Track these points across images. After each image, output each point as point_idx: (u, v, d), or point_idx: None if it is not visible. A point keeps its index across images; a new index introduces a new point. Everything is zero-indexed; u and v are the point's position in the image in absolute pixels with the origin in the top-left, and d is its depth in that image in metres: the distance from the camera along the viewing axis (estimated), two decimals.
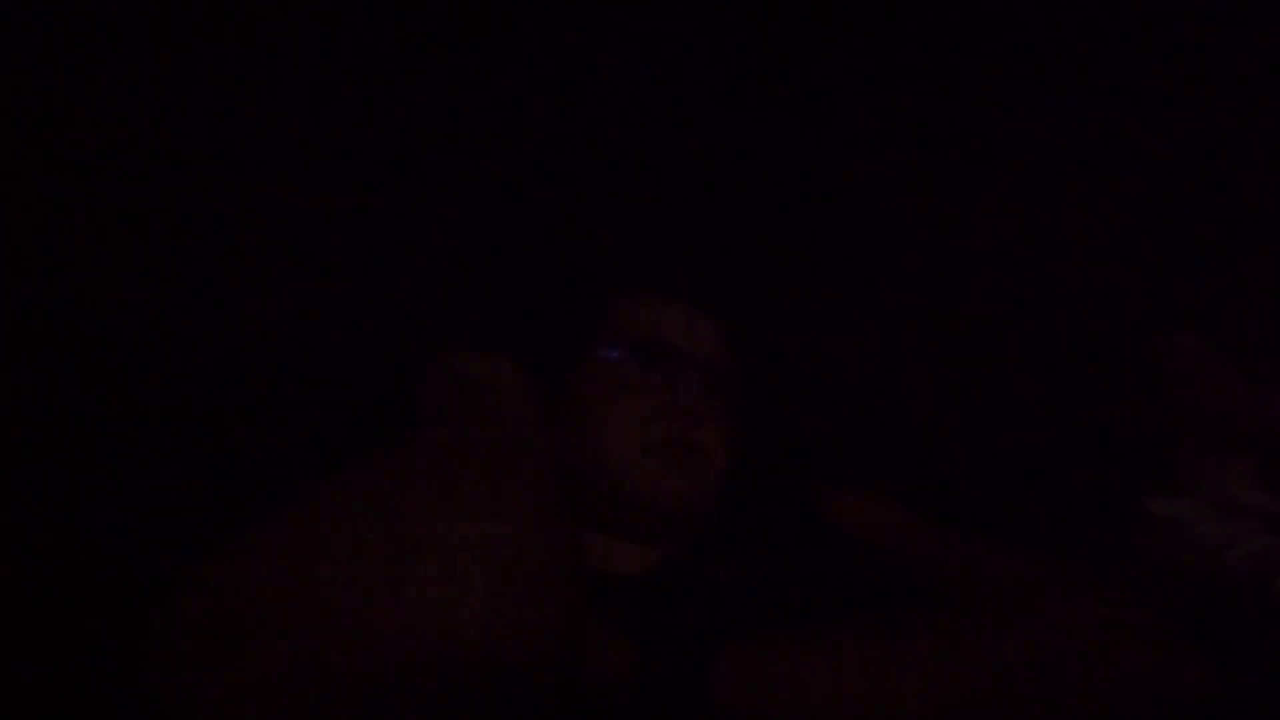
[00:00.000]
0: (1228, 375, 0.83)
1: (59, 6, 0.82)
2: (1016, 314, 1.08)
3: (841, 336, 1.03)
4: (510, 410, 0.38)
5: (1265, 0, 1.04)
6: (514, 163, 0.97)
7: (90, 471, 0.67)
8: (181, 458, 0.70)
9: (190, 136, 0.86)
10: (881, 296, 1.07)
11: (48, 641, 0.58)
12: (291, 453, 0.65)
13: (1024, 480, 0.96)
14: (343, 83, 0.93)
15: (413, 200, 0.92)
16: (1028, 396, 1.01)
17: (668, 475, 0.52)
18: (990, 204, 1.13)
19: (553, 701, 0.25)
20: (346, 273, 0.88)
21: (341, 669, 0.21)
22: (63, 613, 0.59)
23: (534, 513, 0.28)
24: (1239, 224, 1.17)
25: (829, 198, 1.08)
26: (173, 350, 0.77)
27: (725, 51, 1.07)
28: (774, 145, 1.08)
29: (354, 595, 0.22)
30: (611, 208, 0.99)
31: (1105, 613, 0.40)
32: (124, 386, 0.73)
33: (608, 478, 0.53)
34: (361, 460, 0.29)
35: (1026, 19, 1.08)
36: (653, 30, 1.04)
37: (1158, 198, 1.17)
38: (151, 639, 0.23)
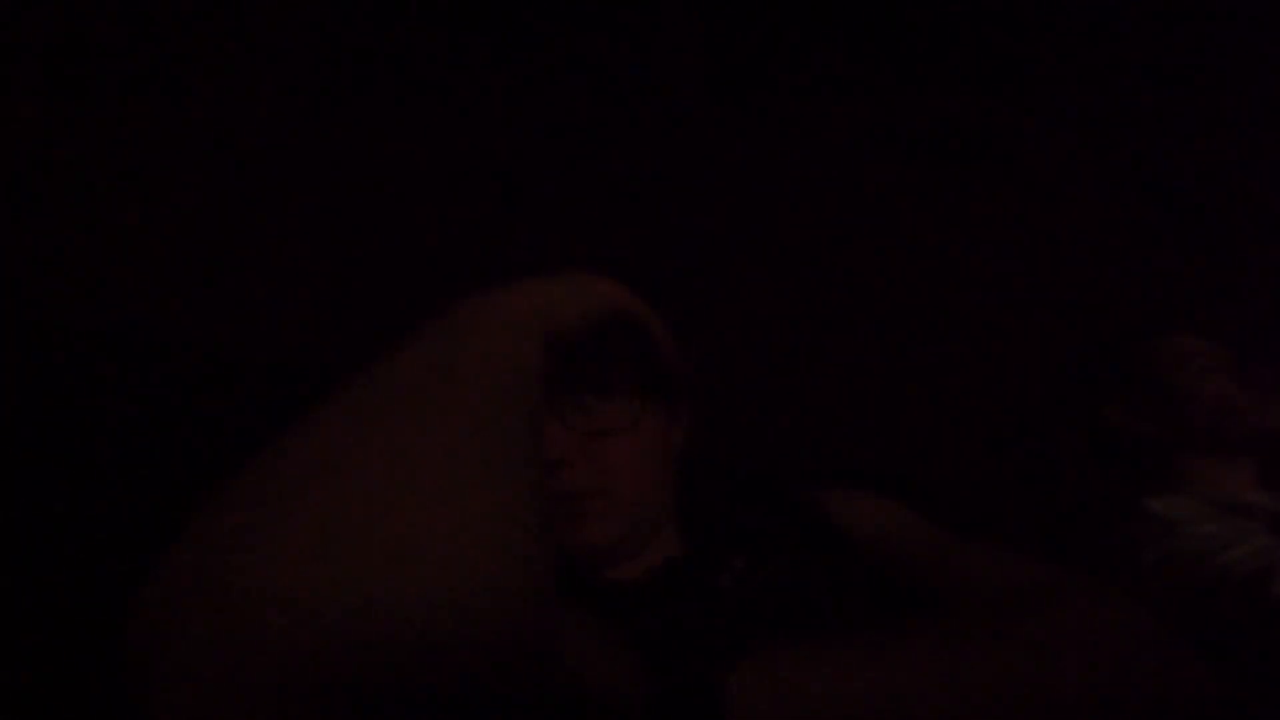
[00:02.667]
0: (1227, 375, 0.83)
1: (60, 9, 0.82)
2: (1016, 314, 1.08)
3: (842, 338, 1.03)
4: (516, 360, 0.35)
5: (1265, 1, 1.04)
6: (506, 163, 0.97)
7: (87, 468, 0.67)
8: (173, 452, 0.70)
9: (189, 137, 0.86)
10: (882, 298, 1.07)
11: (43, 634, 0.58)
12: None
13: (1024, 480, 0.96)
14: (340, 85, 0.92)
15: (395, 198, 0.92)
16: (1028, 397, 1.01)
17: (566, 534, 0.49)
18: (991, 205, 1.13)
19: (529, 689, 0.25)
20: (331, 271, 0.87)
21: (305, 651, 0.21)
22: (55, 606, 0.59)
23: (518, 486, 0.28)
24: (1239, 224, 1.17)
25: (833, 200, 1.08)
26: (168, 348, 0.77)
27: (723, 52, 1.06)
28: (775, 146, 1.08)
29: (315, 574, 0.22)
30: (608, 210, 0.99)
31: (1105, 615, 0.40)
32: (121, 385, 0.73)
33: None
34: (328, 417, 0.28)
35: (1027, 21, 1.08)
36: (650, 31, 1.04)
37: (1158, 199, 1.17)
38: (126, 626, 0.23)
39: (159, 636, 0.22)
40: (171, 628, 0.22)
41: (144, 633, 0.23)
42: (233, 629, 0.21)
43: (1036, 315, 1.09)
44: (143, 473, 0.67)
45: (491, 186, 0.96)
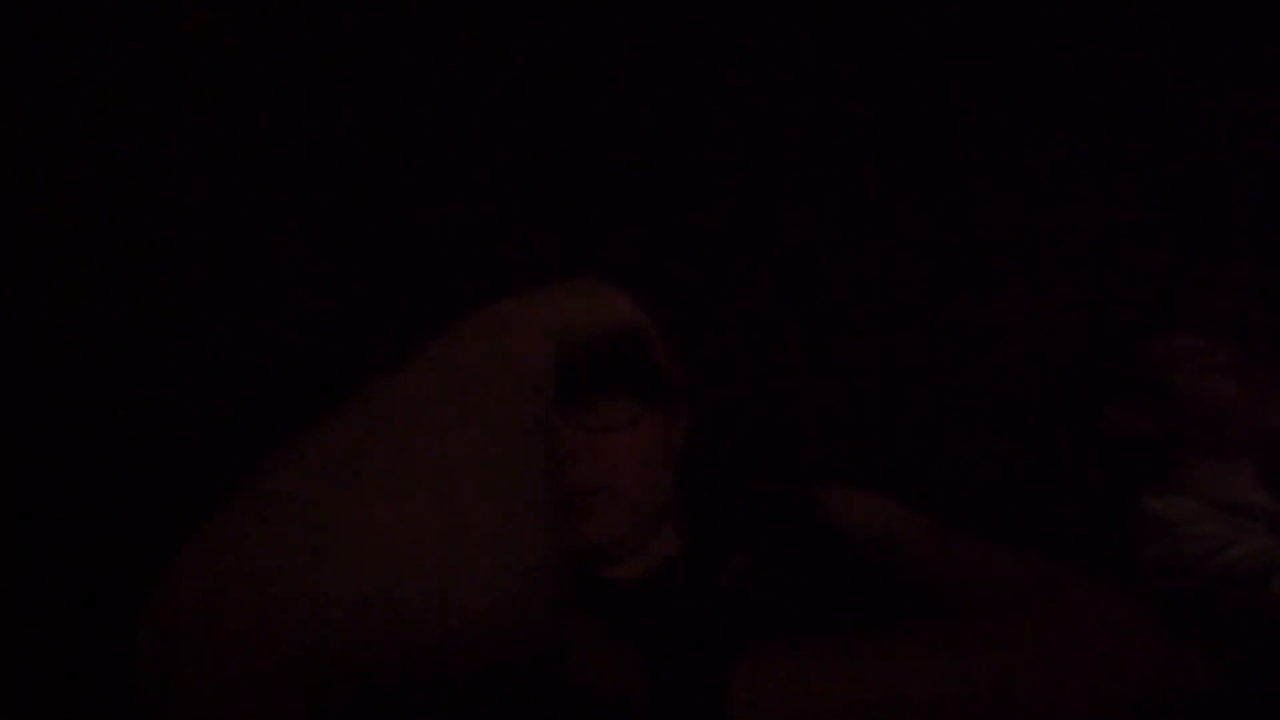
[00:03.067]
0: (1227, 375, 0.83)
1: (60, 7, 0.82)
2: (1016, 315, 1.08)
3: (842, 337, 1.03)
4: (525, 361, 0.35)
5: (1265, 1, 1.04)
6: (497, 161, 0.97)
7: (88, 470, 0.67)
8: (174, 454, 0.70)
9: (189, 137, 0.86)
10: (882, 297, 1.07)
11: (48, 637, 0.58)
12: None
13: (1024, 480, 0.96)
14: (339, 84, 0.92)
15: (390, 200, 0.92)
16: (1028, 396, 1.01)
17: (576, 532, 0.50)
18: (990, 204, 1.13)
19: (537, 692, 0.25)
20: (332, 271, 0.88)
21: (318, 653, 0.21)
22: (60, 609, 0.59)
23: (530, 491, 0.28)
24: (1239, 224, 1.17)
25: (831, 200, 1.08)
26: (168, 348, 0.77)
27: (722, 51, 1.06)
28: (775, 146, 1.08)
29: (327, 578, 0.22)
30: (608, 210, 0.99)
31: (1104, 614, 0.40)
32: (121, 384, 0.73)
33: None
34: (345, 421, 0.28)
35: (1026, 20, 1.08)
36: (647, 29, 1.04)
37: (1158, 198, 1.17)
38: (137, 631, 0.23)
39: (171, 638, 0.22)
40: (183, 629, 0.22)
41: (155, 634, 0.23)
42: (247, 631, 0.21)
43: (1036, 315, 1.09)
44: (144, 474, 0.67)
45: (491, 186, 0.96)
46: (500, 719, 0.23)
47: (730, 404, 0.91)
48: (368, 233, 0.90)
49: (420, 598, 0.22)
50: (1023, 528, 0.85)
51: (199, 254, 0.83)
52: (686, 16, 1.05)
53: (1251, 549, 0.68)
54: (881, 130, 1.11)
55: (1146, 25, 1.08)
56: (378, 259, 0.89)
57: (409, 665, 0.21)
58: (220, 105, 0.87)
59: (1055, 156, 1.16)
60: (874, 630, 0.38)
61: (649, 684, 0.32)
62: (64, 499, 0.65)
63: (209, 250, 0.84)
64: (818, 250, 1.06)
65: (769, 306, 1.02)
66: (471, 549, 0.24)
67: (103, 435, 0.69)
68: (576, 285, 0.45)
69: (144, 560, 0.27)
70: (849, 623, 0.42)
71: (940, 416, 1.03)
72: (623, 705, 0.32)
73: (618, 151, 1.01)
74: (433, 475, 0.26)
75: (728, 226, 1.04)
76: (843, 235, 1.07)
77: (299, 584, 0.22)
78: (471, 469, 0.27)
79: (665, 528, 0.56)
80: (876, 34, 1.09)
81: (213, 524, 0.25)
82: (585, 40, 1.01)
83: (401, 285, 0.88)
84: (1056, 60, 1.12)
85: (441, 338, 0.35)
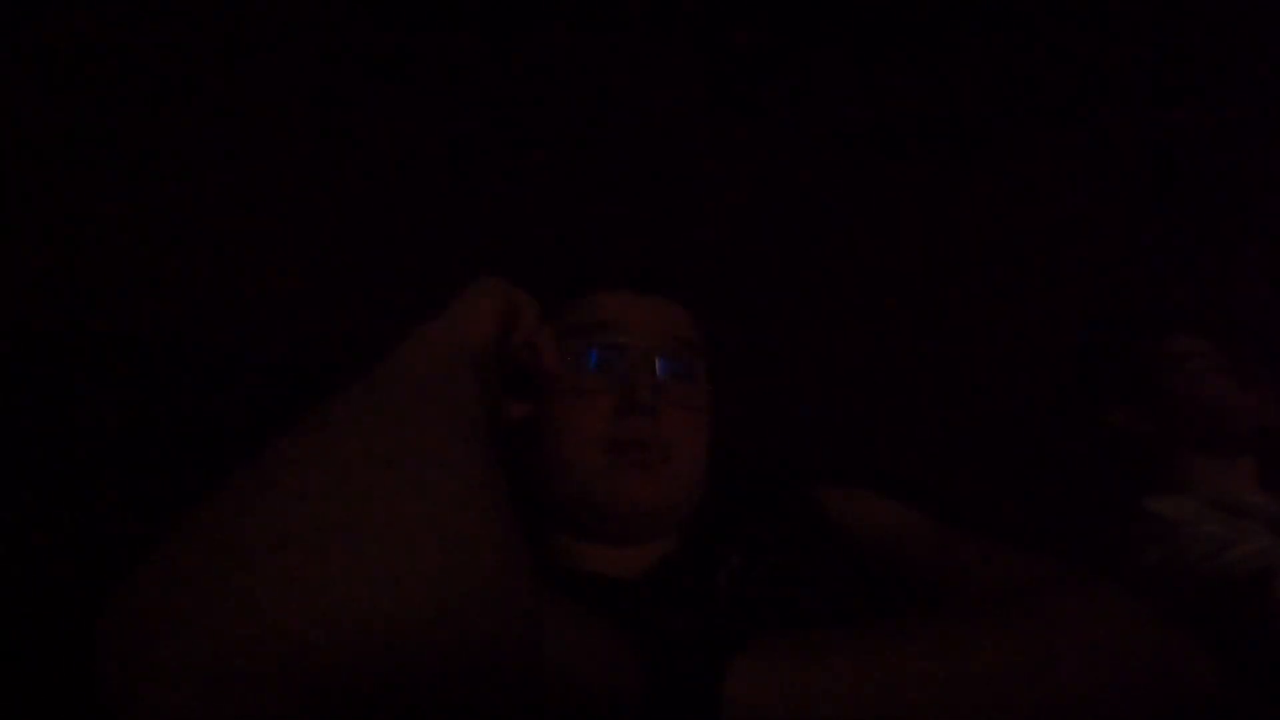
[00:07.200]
0: (1227, 375, 0.83)
1: (60, 7, 0.82)
2: (1017, 314, 1.08)
3: (841, 336, 1.03)
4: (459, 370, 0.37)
5: (1265, 0, 1.04)
6: (490, 161, 0.97)
7: (80, 470, 0.67)
8: (167, 454, 0.70)
9: (189, 137, 0.86)
10: (882, 297, 1.07)
11: (29, 637, 0.58)
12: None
13: (1024, 480, 0.96)
14: (340, 85, 0.93)
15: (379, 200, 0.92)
16: (1028, 396, 1.01)
17: (628, 479, 0.51)
18: (991, 204, 1.13)
19: (514, 691, 0.25)
20: (330, 272, 0.88)
21: (284, 656, 0.21)
22: (43, 610, 0.59)
23: (480, 492, 0.29)
24: (1239, 224, 1.17)
25: (830, 200, 1.08)
26: (164, 348, 0.77)
27: (719, 50, 1.07)
28: (777, 145, 1.08)
29: (291, 581, 0.22)
30: (609, 210, 0.99)
31: (1104, 608, 0.40)
32: (116, 385, 0.73)
33: (571, 489, 0.52)
34: (296, 435, 0.29)
35: (1026, 19, 1.08)
36: (647, 28, 1.04)
37: (1157, 198, 1.17)
38: (98, 629, 0.23)
39: (136, 644, 0.22)
40: (151, 635, 0.22)
41: (121, 640, 0.23)
42: (211, 640, 0.21)
43: (1037, 315, 1.09)
44: (133, 476, 0.67)
45: (490, 187, 0.96)
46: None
47: (730, 404, 0.91)
48: (367, 234, 0.90)
49: (379, 609, 0.22)
50: (1023, 528, 0.85)
51: (197, 255, 0.83)
52: (686, 16, 1.05)
53: (1252, 549, 0.68)
54: (881, 130, 1.11)
55: (1147, 24, 1.08)
56: (377, 262, 0.89)
57: (374, 676, 0.22)
58: (218, 105, 0.87)
59: (1055, 156, 1.16)
60: (873, 629, 0.38)
61: (646, 682, 0.32)
62: (57, 501, 0.64)
63: (204, 250, 0.84)
64: (817, 249, 1.06)
65: (768, 306, 1.02)
66: (418, 558, 0.24)
67: (94, 435, 0.69)
68: (459, 295, 0.46)
69: (115, 565, 0.27)
70: (848, 621, 0.42)
71: (940, 416, 1.03)
72: (621, 704, 0.31)
73: (616, 151, 1.01)
74: (392, 497, 0.26)
75: (726, 226, 1.04)
76: (842, 235, 1.07)
77: (245, 592, 0.22)
78: (426, 488, 0.27)
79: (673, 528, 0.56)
80: (876, 33, 1.09)
81: (174, 530, 0.25)
82: (584, 40, 1.01)
83: (400, 288, 0.88)
84: (1057, 60, 1.12)
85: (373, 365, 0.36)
